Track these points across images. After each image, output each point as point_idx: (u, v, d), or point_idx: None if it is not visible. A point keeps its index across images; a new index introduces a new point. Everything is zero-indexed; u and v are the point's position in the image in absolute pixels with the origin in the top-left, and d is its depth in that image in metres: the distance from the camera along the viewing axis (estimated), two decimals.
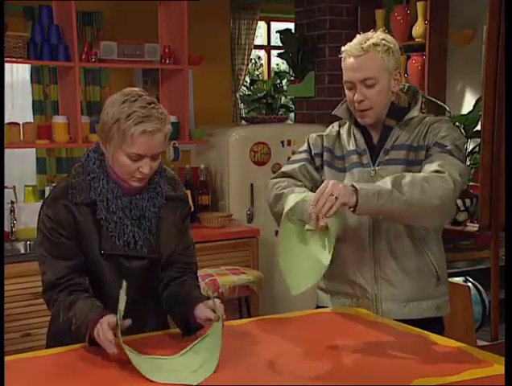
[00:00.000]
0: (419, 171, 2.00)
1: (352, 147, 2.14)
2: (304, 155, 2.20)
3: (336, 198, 1.81)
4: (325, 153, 2.18)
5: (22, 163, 4.58)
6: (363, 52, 2.01)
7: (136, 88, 1.89)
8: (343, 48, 2.07)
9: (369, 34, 2.07)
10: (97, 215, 1.87)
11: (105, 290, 1.89)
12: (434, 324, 2.09)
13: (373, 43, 2.02)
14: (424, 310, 2.12)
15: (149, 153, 1.81)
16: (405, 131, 2.09)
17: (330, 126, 2.25)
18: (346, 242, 2.11)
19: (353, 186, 1.85)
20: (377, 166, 2.09)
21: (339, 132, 2.20)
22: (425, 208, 1.90)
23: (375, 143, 2.12)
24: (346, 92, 2.08)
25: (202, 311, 1.81)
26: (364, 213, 1.93)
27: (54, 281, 1.86)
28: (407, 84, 2.22)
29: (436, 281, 2.13)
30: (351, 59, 2.04)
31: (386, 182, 1.88)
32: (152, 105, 1.81)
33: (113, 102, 1.82)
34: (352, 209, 1.86)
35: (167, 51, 4.10)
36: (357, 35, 2.08)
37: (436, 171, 1.94)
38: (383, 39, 2.04)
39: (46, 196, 1.94)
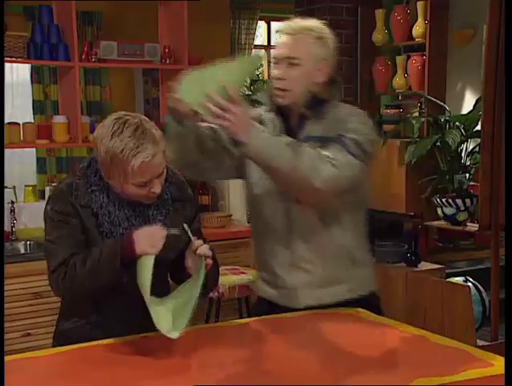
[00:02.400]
0: None
1: None
2: None
3: (231, 122, 1.80)
4: None
5: (22, 163, 4.59)
6: (294, 32, 2.02)
7: (121, 113, 1.82)
8: (278, 27, 2.07)
9: (309, 19, 2.07)
10: (100, 228, 1.85)
11: (117, 289, 1.85)
12: (356, 306, 2.10)
13: (306, 27, 2.03)
14: (339, 293, 2.12)
15: (154, 176, 1.80)
16: (320, 123, 2.08)
17: (257, 109, 2.23)
18: (263, 233, 2.13)
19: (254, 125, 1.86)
20: None
21: (262, 116, 2.16)
22: (305, 182, 1.89)
23: (292, 132, 2.09)
24: (272, 68, 2.08)
25: (187, 259, 1.85)
26: (252, 154, 1.88)
27: (63, 259, 1.82)
28: (331, 76, 2.14)
29: (352, 265, 2.13)
30: (282, 37, 2.04)
31: (286, 138, 1.92)
32: (140, 130, 1.76)
33: (102, 138, 1.77)
34: (242, 146, 1.85)
35: (167, 51, 4.10)
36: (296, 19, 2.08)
37: (328, 158, 1.93)
38: (319, 27, 2.05)
39: (52, 190, 1.93)
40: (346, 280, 2.13)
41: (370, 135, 2.06)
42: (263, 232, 2.15)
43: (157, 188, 1.82)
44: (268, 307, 2.19)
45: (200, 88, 1.81)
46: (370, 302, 2.18)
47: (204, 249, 1.83)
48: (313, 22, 2.05)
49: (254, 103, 2.19)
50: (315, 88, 2.06)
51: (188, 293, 1.82)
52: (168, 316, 1.78)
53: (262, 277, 2.22)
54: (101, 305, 1.90)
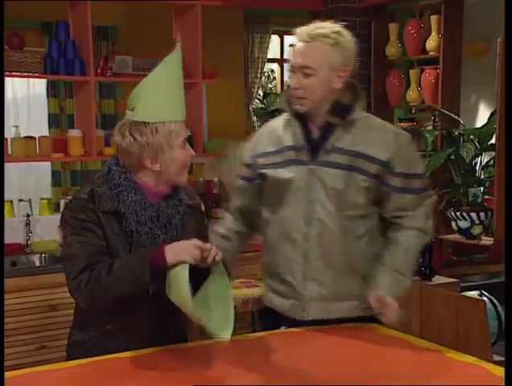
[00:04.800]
0: (360, 180, 2.00)
1: (289, 142, 2.08)
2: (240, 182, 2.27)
3: None
4: (259, 159, 2.15)
5: (37, 176, 4.62)
6: (309, 40, 1.98)
7: None
8: (297, 30, 2.03)
9: (326, 23, 2.02)
10: (126, 228, 1.87)
11: (132, 300, 1.86)
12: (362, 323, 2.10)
13: (321, 33, 1.97)
14: (347, 309, 2.10)
15: (187, 134, 1.93)
16: (349, 133, 2.02)
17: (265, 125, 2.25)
18: (280, 240, 2.10)
19: None
20: (316, 165, 2.03)
21: (277, 125, 2.15)
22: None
23: (315, 140, 2.05)
24: (290, 76, 2.08)
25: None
26: None
27: (86, 265, 1.81)
28: (349, 81, 2.11)
29: (362, 281, 2.09)
30: (299, 44, 2.01)
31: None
32: None
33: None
34: None
35: None
36: (316, 22, 2.03)
37: (419, 229, 2.07)
38: (336, 32, 1.99)
39: (70, 200, 1.96)
40: (356, 297, 2.10)
41: (419, 156, 2.17)
42: (279, 240, 2.11)
43: (192, 150, 1.95)
44: (274, 318, 2.17)
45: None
46: (373, 322, 2.16)
47: (211, 257, 1.82)
48: (330, 28, 2.00)
49: (275, 112, 2.23)
50: (334, 95, 2.03)
51: (223, 297, 1.83)
52: (216, 320, 1.79)
53: (271, 287, 2.18)
54: (115, 316, 1.91)
